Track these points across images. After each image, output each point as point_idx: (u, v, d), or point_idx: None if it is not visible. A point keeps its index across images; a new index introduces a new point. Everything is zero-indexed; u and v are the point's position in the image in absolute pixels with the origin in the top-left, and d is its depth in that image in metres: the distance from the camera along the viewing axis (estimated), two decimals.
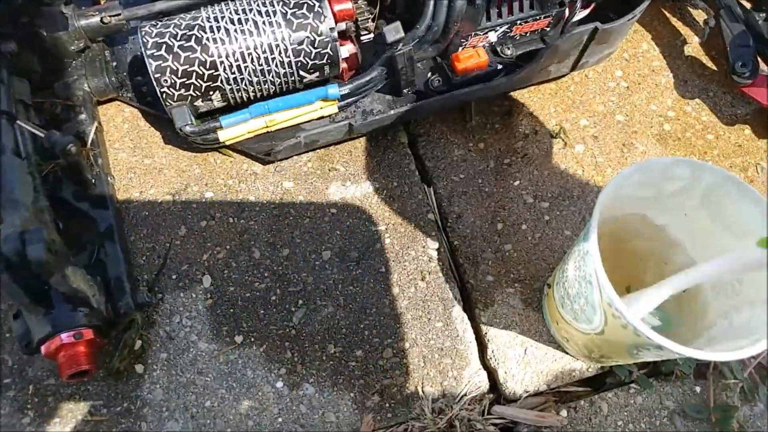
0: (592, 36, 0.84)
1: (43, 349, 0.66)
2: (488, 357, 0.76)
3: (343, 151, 0.89)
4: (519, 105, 0.93)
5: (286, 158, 0.86)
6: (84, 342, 0.67)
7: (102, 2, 0.91)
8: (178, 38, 0.75)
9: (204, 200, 0.83)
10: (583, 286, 0.59)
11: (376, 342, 0.77)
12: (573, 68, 0.92)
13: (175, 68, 0.75)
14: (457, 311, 0.79)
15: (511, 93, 0.94)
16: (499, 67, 0.86)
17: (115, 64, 0.89)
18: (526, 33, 0.87)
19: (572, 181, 0.88)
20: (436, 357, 0.76)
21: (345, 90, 0.80)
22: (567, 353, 0.76)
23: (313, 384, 0.74)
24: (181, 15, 0.78)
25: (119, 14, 0.83)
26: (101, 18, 0.83)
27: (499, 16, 0.82)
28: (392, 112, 0.83)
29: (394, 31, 0.77)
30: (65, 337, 0.65)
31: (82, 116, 0.83)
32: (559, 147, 0.90)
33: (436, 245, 0.82)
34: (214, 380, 0.74)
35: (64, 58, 0.83)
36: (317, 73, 0.82)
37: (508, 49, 0.87)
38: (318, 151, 0.88)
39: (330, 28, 0.78)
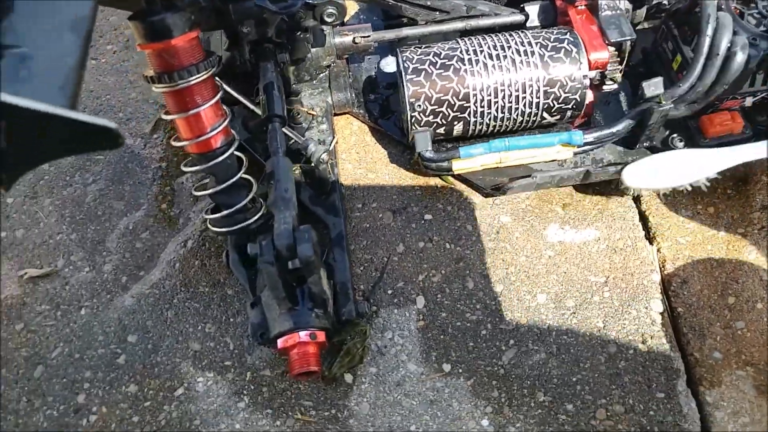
0: None
1: (280, 342, 0.68)
2: None
3: (563, 194, 0.87)
4: (757, 173, 0.87)
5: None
6: (316, 343, 0.69)
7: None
8: (437, 66, 0.77)
9: (423, 221, 0.85)
10: None
11: (588, 400, 0.73)
12: None
13: (429, 95, 0.77)
14: (682, 385, 0.73)
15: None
16: (751, 134, 0.81)
17: (351, 80, 0.94)
18: None
19: None
20: (656, 430, 0.71)
21: (589, 137, 0.78)
22: None
23: (519, 429, 0.71)
24: (439, 44, 0.80)
25: (369, 36, 0.88)
26: (353, 38, 0.88)
27: (765, 82, 0.77)
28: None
29: (653, 87, 0.75)
30: (303, 335, 0.68)
31: (324, 126, 0.88)
32: None
33: (661, 308, 0.78)
34: (419, 405, 0.73)
35: (316, 70, 0.89)
36: (558, 116, 0.81)
37: (764, 117, 0.81)
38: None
39: (583, 76, 0.77)
